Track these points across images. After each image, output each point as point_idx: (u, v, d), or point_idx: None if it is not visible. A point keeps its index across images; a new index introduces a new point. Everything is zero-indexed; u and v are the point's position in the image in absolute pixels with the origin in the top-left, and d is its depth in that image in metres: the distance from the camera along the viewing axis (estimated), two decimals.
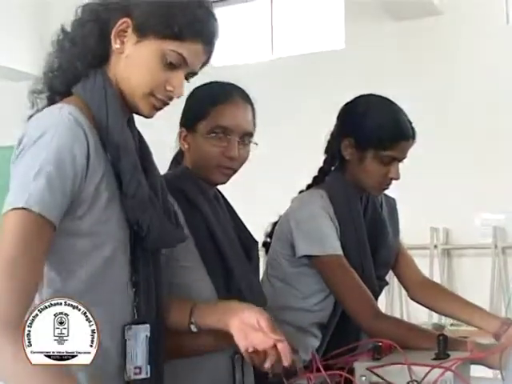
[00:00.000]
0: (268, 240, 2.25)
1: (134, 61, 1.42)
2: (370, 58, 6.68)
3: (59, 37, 1.48)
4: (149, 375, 1.41)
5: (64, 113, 1.33)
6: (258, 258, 1.94)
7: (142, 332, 1.42)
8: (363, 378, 1.53)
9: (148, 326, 1.43)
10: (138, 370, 1.39)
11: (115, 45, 1.42)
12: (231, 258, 1.76)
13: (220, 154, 1.78)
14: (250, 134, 1.84)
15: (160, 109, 1.49)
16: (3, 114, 8.22)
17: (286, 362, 1.44)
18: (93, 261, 1.36)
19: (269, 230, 2.26)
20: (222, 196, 1.94)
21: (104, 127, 1.38)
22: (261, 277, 2.19)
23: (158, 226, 1.43)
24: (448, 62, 6.41)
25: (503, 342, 1.95)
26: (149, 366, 1.42)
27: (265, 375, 1.82)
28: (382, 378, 1.50)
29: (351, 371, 1.57)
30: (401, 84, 5.67)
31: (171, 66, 1.43)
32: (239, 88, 1.87)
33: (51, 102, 1.43)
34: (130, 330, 1.40)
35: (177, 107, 1.90)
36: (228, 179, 1.84)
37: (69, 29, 1.48)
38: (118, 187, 1.39)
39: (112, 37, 1.42)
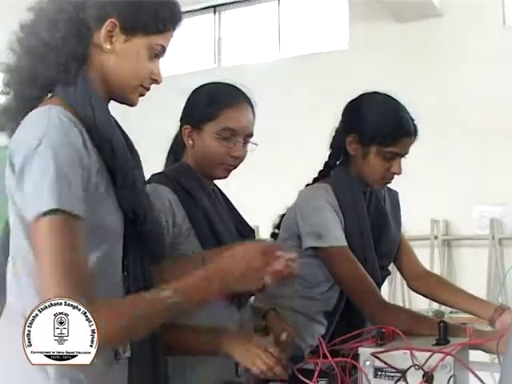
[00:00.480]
0: (276, 231, 2.24)
1: (125, 57, 1.43)
2: (373, 57, 6.67)
3: (20, 36, 1.41)
4: (129, 355, 1.39)
5: (54, 114, 1.30)
6: None
7: None
8: (367, 363, 1.52)
9: None
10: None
11: (106, 46, 1.41)
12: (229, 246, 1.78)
13: (226, 153, 1.83)
14: (251, 135, 1.89)
15: (143, 95, 1.52)
16: None
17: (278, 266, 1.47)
18: (99, 251, 1.35)
19: (277, 221, 2.26)
20: (219, 190, 1.97)
21: (93, 126, 1.36)
22: None
23: (150, 213, 1.47)
24: (448, 62, 6.40)
25: (498, 327, 1.98)
26: (129, 347, 1.40)
27: None
28: (386, 363, 1.50)
29: (356, 356, 1.56)
30: (402, 82, 5.64)
31: (155, 57, 1.47)
32: (243, 91, 1.90)
33: (27, 108, 1.38)
34: None
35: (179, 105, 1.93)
36: (228, 175, 1.89)
37: (28, 26, 1.41)
38: (111, 180, 1.38)
39: (102, 39, 1.40)
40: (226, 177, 1.89)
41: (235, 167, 1.88)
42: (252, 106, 1.90)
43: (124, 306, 1.29)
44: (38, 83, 1.39)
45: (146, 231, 1.46)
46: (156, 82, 1.49)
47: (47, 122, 1.29)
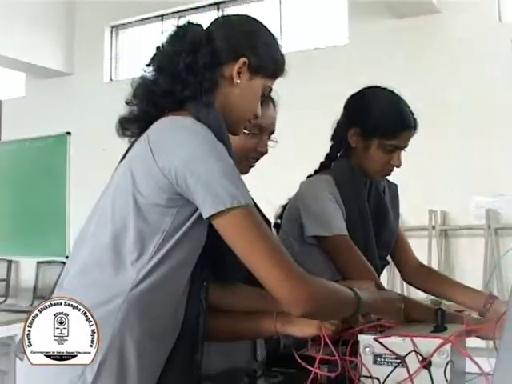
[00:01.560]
0: (278, 221, 2.24)
1: (247, 93, 1.54)
2: (372, 52, 6.66)
3: (158, 57, 1.51)
4: None
5: (198, 123, 1.39)
6: None
7: None
8: (367, 350, 1.52)
9: None
10: None
11: (237, 80, 1.51)
12: None
13: (253, 148, 1.86)
14: (273, 132, 1.93)
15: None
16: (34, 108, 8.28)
17: None
18: (184, 253, 1.40)
19: (279, 212, 2.25)
20: None
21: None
22: None
23: None
24: (446, 57, 6.38)
25: (491, 315, 1.99)
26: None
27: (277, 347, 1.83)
28: (387, 348, 1.49)
29: (356, 344, 1.56)
30: (401, 77, 5.64)
31: (261, 97, 1.59)
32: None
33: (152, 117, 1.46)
34: None
35: None
36: (249, 171, 1.90)
37: (168, 50, 1.50)
38: None
39: (233, 73, 1.51)
40: (247, 173, 1.88)
41: (255, 162, 1.91)
42: (274, 105, 1.93)
43: (333, 286, 1.49)
44: (173, 98, 1.47)
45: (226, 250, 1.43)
46: (256, 118, 1.62)
47: (200, 127, 1.38)
